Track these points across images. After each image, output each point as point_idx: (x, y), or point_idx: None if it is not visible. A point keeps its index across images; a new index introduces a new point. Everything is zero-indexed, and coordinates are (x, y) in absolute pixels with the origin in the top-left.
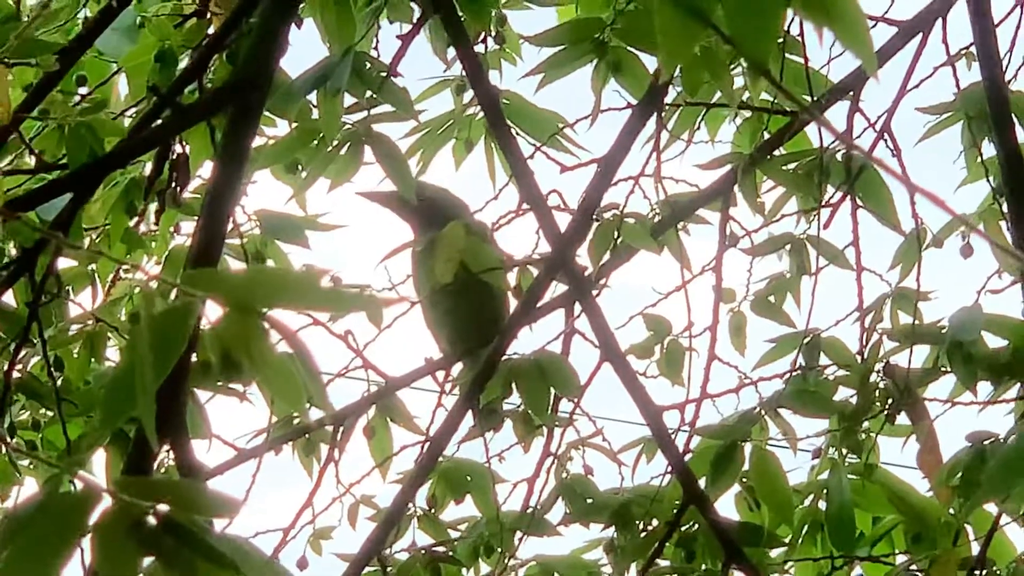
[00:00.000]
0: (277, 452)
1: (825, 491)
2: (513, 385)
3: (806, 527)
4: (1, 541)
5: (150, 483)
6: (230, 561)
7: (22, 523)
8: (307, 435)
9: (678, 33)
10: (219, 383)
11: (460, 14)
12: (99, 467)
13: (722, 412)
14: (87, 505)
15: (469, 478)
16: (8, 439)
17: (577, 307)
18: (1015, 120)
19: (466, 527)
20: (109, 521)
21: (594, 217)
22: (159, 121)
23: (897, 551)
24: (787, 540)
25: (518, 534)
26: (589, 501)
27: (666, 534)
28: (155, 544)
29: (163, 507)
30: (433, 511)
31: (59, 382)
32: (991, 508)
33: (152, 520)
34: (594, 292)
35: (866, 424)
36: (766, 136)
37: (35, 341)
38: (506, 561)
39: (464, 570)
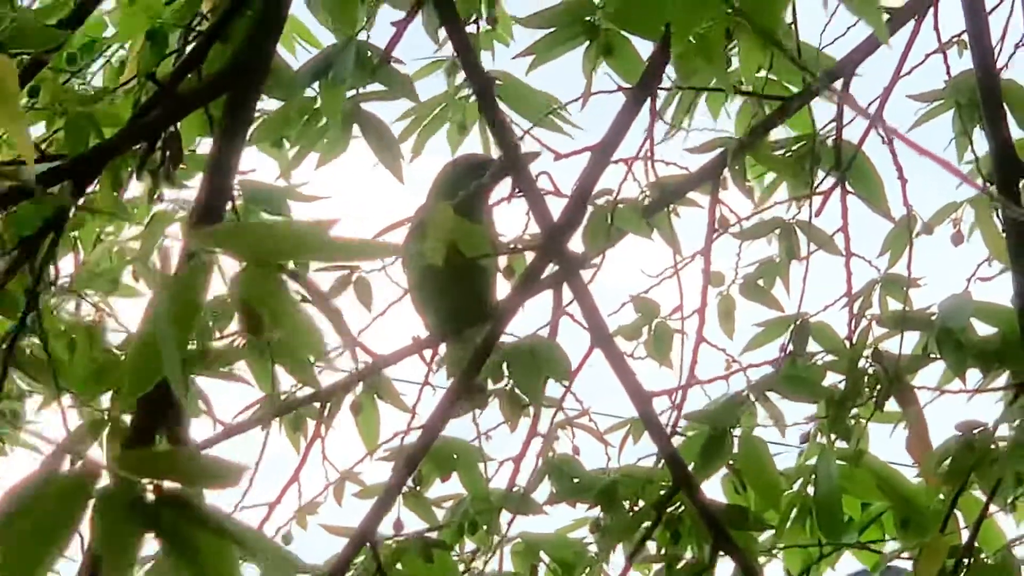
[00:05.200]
0: (264, 428)
1: (813, 476)
2: (505, 368)
3: (794, 512)
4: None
5: (149, 456)
6: (231, 534)
7: (22, 504)
8: (294, 411)
9: (690, 6)
10: (213, 368)
11: None
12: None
13: (711, 397)
14: (88, 483)
15: (456, 456)
16: None
17: (568, 292)
18: (1006, 108)
19: (452, 505)
20: (109, 499)
21: (588, 203)
22: (157, 110)
23: (887, 537)
24: (774, 524)
25: (504, 512)
26: (575, 481)
27: (656, 518)
28: (155, 520)
29: (163, 482)
30: (419, 488)
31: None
32: (980, 495)
33: (151, 496)
34: (585, 277)
35: (855, 410)
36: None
37: (33, 329)
38: (491, 538)
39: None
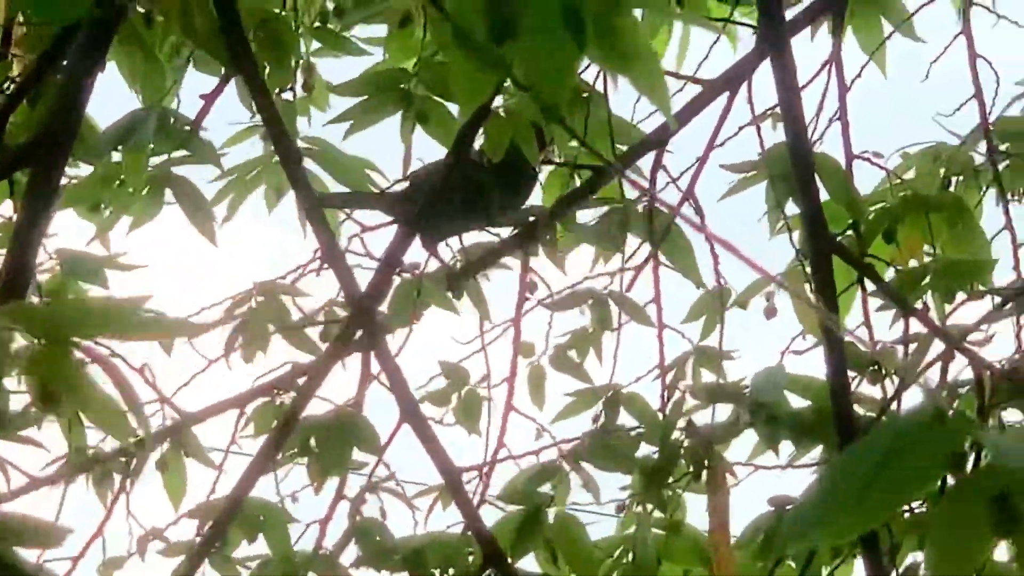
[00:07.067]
0: (70, 482)
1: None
2: (312, 442)
3: None
4: None
5: None
6: None
7: None
8: (100, 466)
9: (472, 81)
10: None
11: (265, 68)
12: None
13: (521, 466)
14: None
15: (262, 517)
16: None
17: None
18: (818, 181)
19: (257, 565)
20: None
21: (397, 273)
22: None
23: None
24: None
25: (310, 574)
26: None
27: None
28: None
29: None
30: (224, 548)
31: None
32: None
33: None
34: (394, 347)
35: (671, 480)
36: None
37: None
38: None
39: None
